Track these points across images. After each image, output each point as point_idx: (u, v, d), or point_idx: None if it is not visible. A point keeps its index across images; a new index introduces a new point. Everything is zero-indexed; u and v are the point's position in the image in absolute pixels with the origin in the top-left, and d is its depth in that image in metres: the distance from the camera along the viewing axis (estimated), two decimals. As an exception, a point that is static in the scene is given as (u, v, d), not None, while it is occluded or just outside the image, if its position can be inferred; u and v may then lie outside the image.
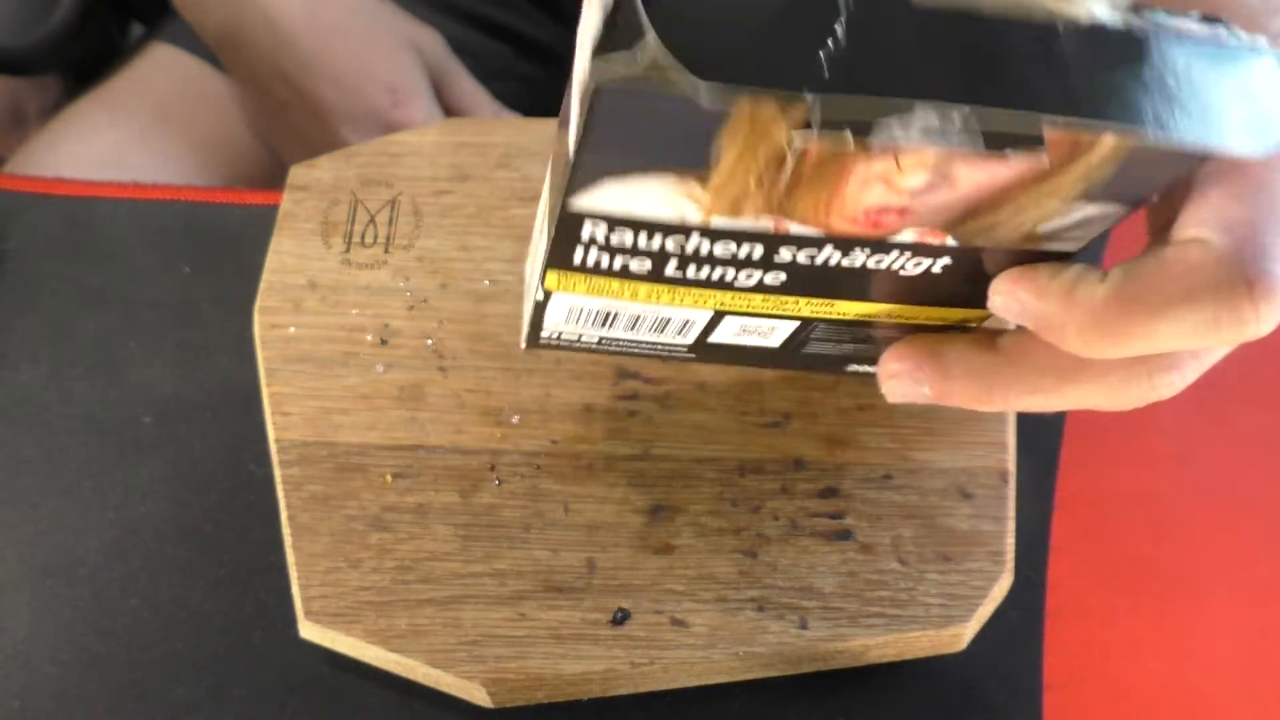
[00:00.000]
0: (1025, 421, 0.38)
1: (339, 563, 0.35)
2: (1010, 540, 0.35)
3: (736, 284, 0.27)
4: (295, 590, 0.35)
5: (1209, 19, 0.21)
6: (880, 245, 0.25)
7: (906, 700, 0.35)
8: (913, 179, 0.22)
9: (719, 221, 0.24)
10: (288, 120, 0.49)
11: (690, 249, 0.25)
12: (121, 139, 0.54)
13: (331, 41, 0.47)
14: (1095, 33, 0.20)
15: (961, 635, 0.34)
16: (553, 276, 0.27)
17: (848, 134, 0.19)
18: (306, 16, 0.47)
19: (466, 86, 0.52)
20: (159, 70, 0.57)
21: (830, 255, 0.25)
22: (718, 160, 0.21)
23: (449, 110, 0.51)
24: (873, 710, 0.35)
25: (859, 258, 0.25)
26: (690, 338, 0.31)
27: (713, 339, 0.31)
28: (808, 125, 0.19)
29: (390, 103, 0.47)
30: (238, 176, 0.55)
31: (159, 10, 0.62)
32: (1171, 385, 0.25)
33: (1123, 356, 0.24)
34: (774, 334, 0.30)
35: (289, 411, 0.37)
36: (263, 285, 0.39)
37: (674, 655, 0.33)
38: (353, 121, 0.47)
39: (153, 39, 0.59)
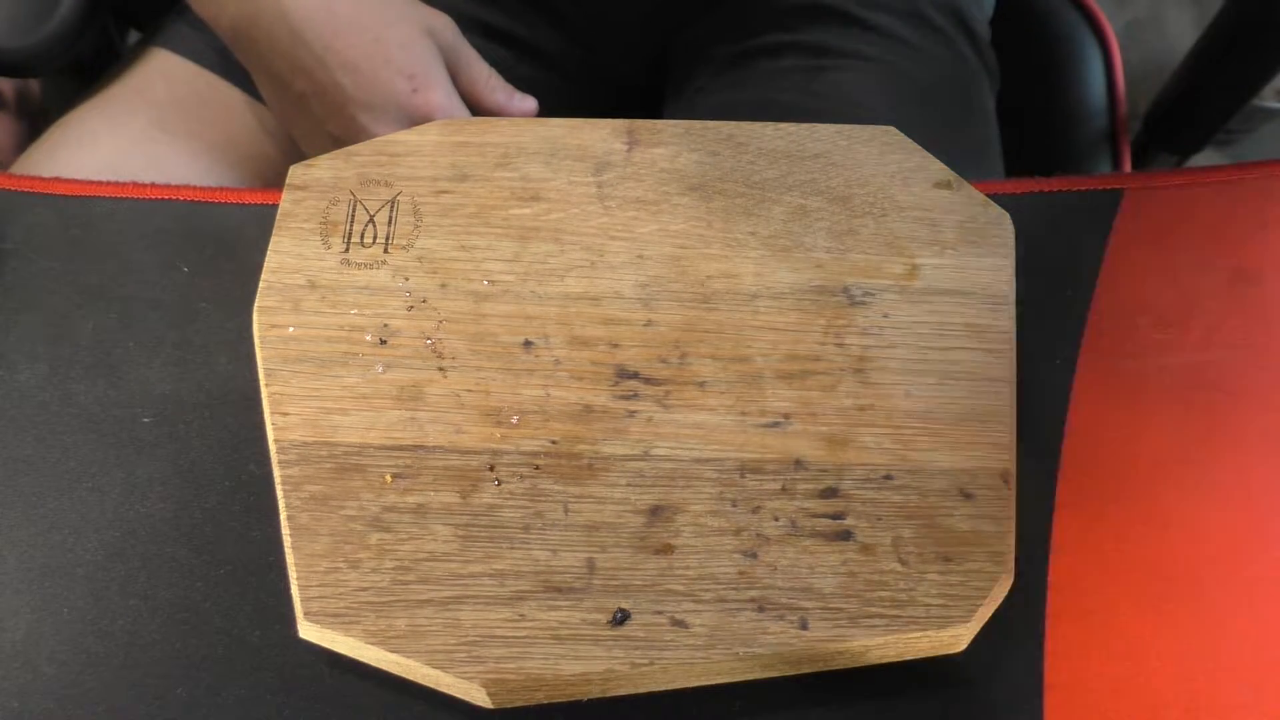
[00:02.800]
0: (1025, 421, 0.38)
1: (338, 563, 0.35)
2: (1011, 541, 0.35)
3: None
4: (294, 590, 0.35)
5: None
6: None
7: (906, 700, 0.35)
8: None
9: None
10: (308, 112, 0.49)
11: None
12: (121, 146, 0.54)
13: (346, 31, 0.47)
14: None
15: (962, 635, 0.34)
16: None
17: None
18: (321, 7, 0.47)
19: (481, 70, 0.52)
20: (158, 77, 0.57)
21: None
22: None
23: (463, 94, 0.51)
24: (873, 710, 0.35)
25: None
26: None
27: None
28: None
29: (409, 89, 0.47)
30: (237, 182, 0.55)
31: (157, 15, 0.62)
32: None
33: None
34: None
35: (288, 411, 0.37)
36: (262, 285, 0.39)
37: (674, 656, 0.33)
38: (373, 110, 0.47)
39: (151, 45, 0.59)
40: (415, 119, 0.48)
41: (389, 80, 0.47)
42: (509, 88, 0.53)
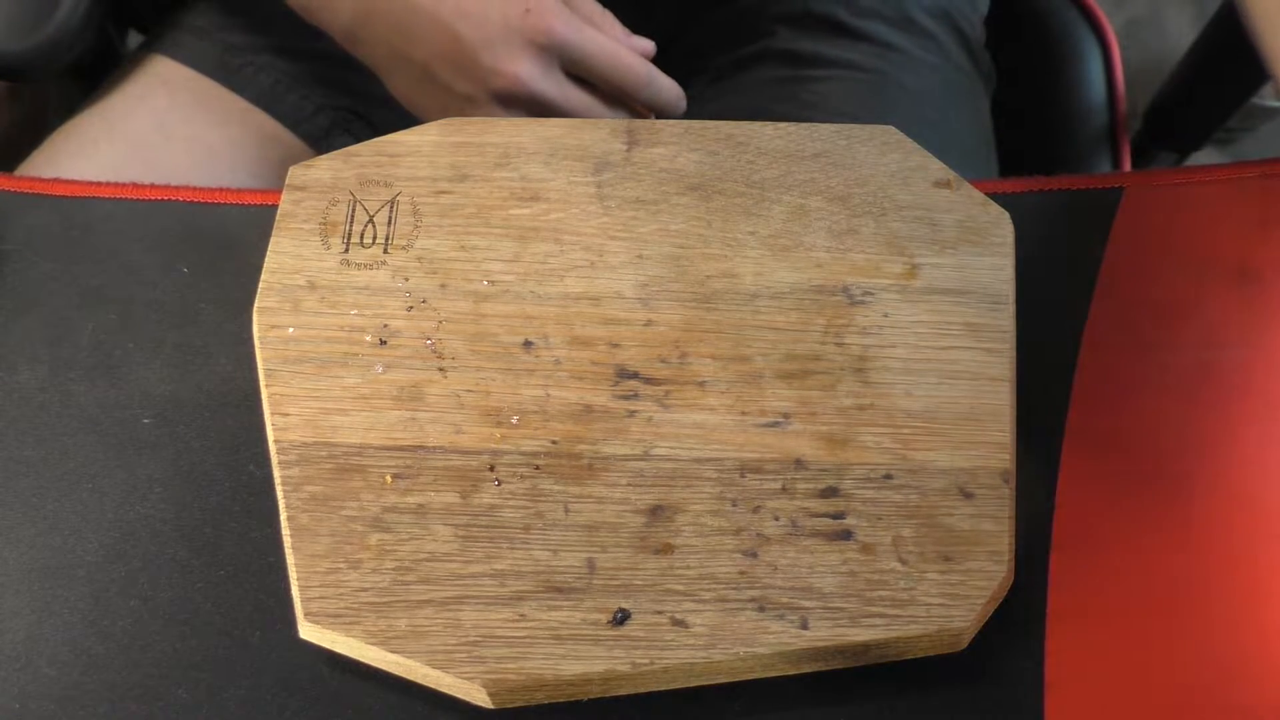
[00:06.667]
0: (1025, 421, 0.38)
1: (339, 563, 0.35)
2: (1011, 540, 0.35)
3: None
4: (295, 591, 0.35)
5: None
6: None
7: (906, 700, 0.35)
8: None
9: None
10: (436, 82, 0.49)
11: None
12: (121, 153, 0.54)
13: None
14: None
15: (962, 635, 0.34)
16: None
17: None
18: None
19: (594, 6, 0.51)
20: (158, 83, 0.57)
21: None
22: None
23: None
24: (873, 710, 0.35)
25: None
26: None
27: None
28: None
29: (522, 11, 0.47)
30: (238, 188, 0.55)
31: (157, 17, 0.62)
32: None
33: None
34: None
35: (288, 412, 0.37)
36: (261, 285, 0.39)
37: (674, 655, 0.33)
38: (494, 47, 0.47)
39: (151, 52, 0.59)
40: (538, 43, 0.47)
41: (501, 11, 0.47)
42: (620, 25, 0.52)
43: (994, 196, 0.41)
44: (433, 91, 0.50)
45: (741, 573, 0.35)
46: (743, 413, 0.37)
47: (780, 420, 0.37)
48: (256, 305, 0.39)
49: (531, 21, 0.47)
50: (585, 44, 0.48)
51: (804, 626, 0.34)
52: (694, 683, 0.34)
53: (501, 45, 0.47)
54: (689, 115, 0.59)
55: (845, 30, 0.58)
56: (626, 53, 0.49)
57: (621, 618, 0.34)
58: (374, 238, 0.40)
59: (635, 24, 0.62)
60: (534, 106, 0.48)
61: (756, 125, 0.42)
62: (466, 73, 0.48)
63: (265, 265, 0.40)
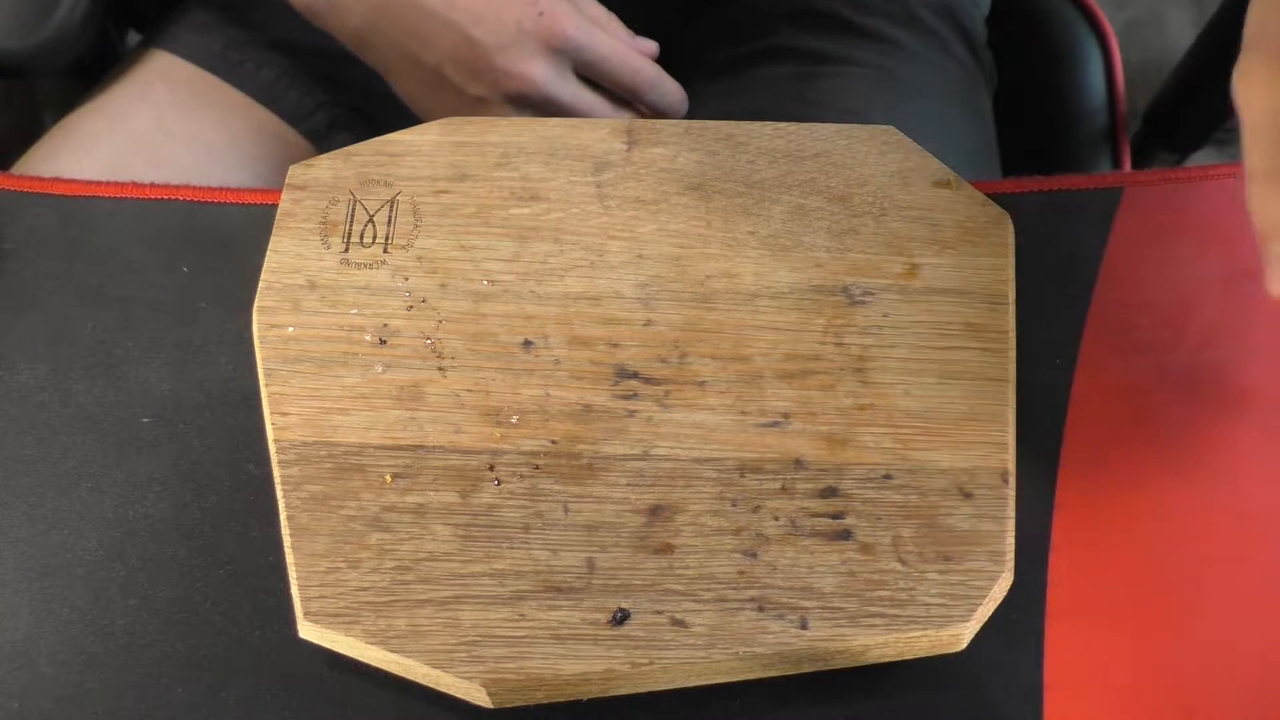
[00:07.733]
0: (1025, 421, 0.38)
1: (338, 563, 0.35)
2: (1010, 540, 0.35)
3: None
4: (294, 590, 0.35)
5: None
6: None
7: (906, 700, 0.35)
8: None
9: None
10: (448, 86, 0.50)
11: None
12: (121, 148, 0.54)
13: None
14: None
15: (961, 635, 0.34)
16: None
17: None
18: None
19: (600, 9, 0.52)
20: (158, 78, 0.57)
21: None
22: None
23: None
24: (873, 710, 0.35)
25: None
26: None
27: None
28: None
29: (535, 13, 0.47)
30: (238, 184, 0.55)
31: (157, 16, 0.62)
32: None
33: None
34: None
35: (288, 411, 0.37)
36: (261, 285, 0.39)
37: (674, 655, 0.33)
38: (507, 50, 0.48)
39: (152, 47, 0.59)
40: (552, 46, 0.48)
41: (514, 13, 0.47)
42: (627, 30, 0.52)
43: (994, 196, 0.41)
44: (443, 94, 0.50)
45: (741, 572, 0.35)
46: (742, 413, 0.37)
47: (780, 420, 0.37)
48: (256, 304, 0.39)
49: (545, 24, 0.47)
50: (598, 46, 0.48)
51: (804, 626, 0.34)
52: (694, 682, 0.34)
53: (515, 48, 0.47)
54: (692, 113, 0.59)
55: (849, 27, 0.58)
56: (636, 55, 0.50)
57: (621, 617, 0.34)
58: (374, 237, 0.40)
59: (638, 21, 0.62)
60: (545, 108, 0.48)
61: (756, 125, 0.42)
62: (480, 75, 0.48)
63: (265, 264, 0.40)
